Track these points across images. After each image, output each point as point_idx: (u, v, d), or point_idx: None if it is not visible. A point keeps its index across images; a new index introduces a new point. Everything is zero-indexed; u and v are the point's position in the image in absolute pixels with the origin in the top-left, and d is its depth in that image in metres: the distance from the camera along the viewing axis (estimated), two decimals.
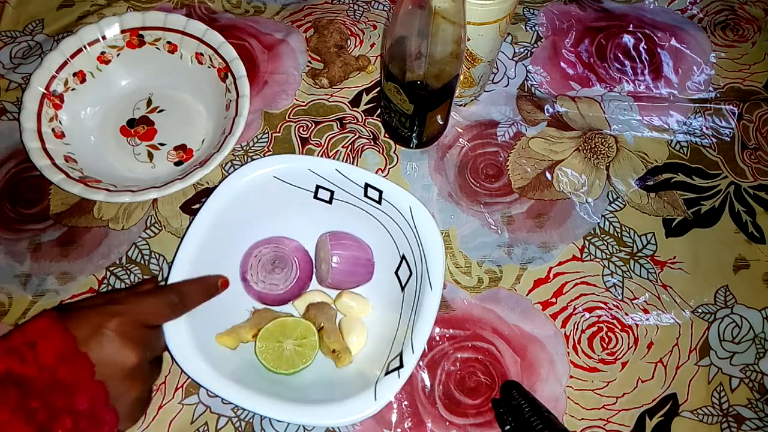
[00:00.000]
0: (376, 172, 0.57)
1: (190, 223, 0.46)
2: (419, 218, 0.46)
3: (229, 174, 0.48)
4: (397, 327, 0.46)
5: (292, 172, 0.48)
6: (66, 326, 0.36)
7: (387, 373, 0.42)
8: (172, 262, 0.45)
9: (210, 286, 0.45)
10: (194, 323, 0.43)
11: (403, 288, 0.48)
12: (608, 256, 0.54)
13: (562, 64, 0.63)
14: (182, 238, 0.46)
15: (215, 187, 0.47)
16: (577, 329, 0.51)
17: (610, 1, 0.67)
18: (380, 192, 0.47)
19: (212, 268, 0.46)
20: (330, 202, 0.50)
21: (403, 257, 0.48)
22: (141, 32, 0.58)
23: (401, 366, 0.42)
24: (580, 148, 0.58)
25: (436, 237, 0.46)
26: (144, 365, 0.40)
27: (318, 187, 0.49)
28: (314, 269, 0.51)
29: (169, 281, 0.44)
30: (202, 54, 0.58)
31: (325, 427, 0.41)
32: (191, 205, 0.55)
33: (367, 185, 0.48)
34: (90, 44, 0.57)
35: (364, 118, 0.60)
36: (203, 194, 0.56)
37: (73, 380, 0.35)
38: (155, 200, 0.55)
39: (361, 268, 0.49)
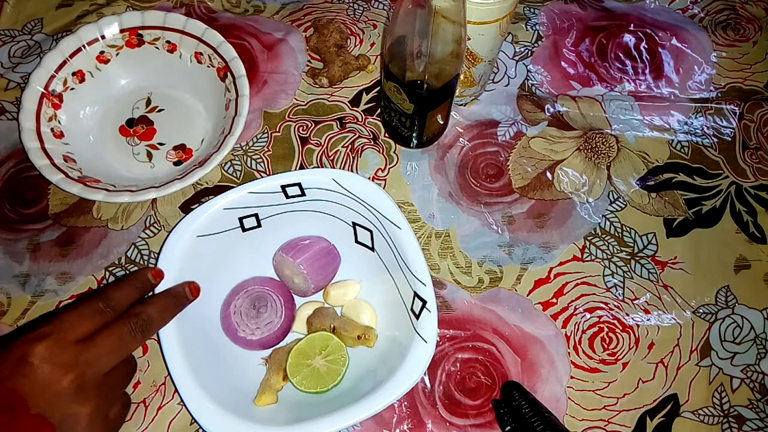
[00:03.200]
0: (376, 172, 0.57)
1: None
2: (348, 183, 0.47)
3: (180, 220, 0.46)
4: (393, 281, 0.47)
5: (211, 222, 0.47)
6: None
7: (417, 316, 0.43)
8: (167, 366, 0.43)
9: (177, 297, 0.43)
10: (227, 404, 0.42)
11: (372, 248, 0.48)
12: (609, 257, 0.54)
13: (562, 63, 0.63)
14: (160, 343, 0.43)
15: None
16: (577, 330, 0.51)
17: (611, 0, 0.67)
18: (299, 185, 0.47)
19: (204, 351, 0.45)
20: (259, 225, 0.49)
21: (354, 224, 0.48)
22: (140, 32, 0.58)
23: (425, 302, 0.43)
24: (581, 147, 0.58)
25: (371, 188, 0.46)
26: (87, 382, 0.36)
27: (241, 219, 0.48)
28: (290, 290, 0.50)
29: (175, 380, 0.42)
30: (201, 53, 0.58)
31: (400, 396, 0.41)
32: (190, 205, 0.55)
33: (283, 187, 0.47)
34: (89, 44, 0.57)
35: (364, 117, 0.59)
36: (203, 194, 0.56)
37: (8, 421, 0.32)
38: (154, 200, 0.55)
39: (327, 258, 0.49)
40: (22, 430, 0.33)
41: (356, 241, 0.49)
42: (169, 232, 0.46)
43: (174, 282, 0.45)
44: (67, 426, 0.34)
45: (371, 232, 0.48)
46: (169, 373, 0.43)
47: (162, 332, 0.43)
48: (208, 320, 0.47)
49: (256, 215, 0.49)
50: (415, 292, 0.44)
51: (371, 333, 0.46)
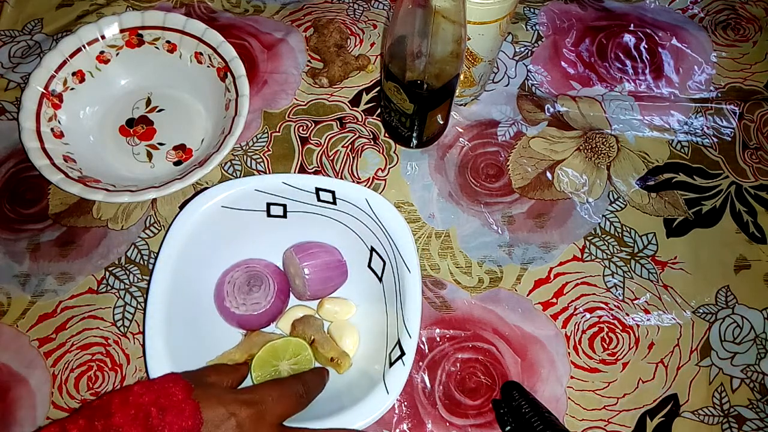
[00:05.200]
0: (376, 172, 0.57)
1: (151, 272, 0.44)
2: (378, 208, 0.46)
3: (201, 191, 0.47)
4: (386, 318, 0.46)
5: (240, 197, 0.47)
6: (198, 405, 0.34)
7: (391, 364, 0.42)
8: (144, 317, 0.43)
9: (324, 376, 0.44)
10: (180, 359, 0.42)
11: (380, 279, 0.48)
12: (609, 257, 0.53)
13: (562, 63, 0.63)
14: (148, 291, 0.44)
15: (172, 222, 0.46)
16: (577, 330, 0.51)
17: (611, 0, 0.67)
18: (333, 192, 0.47)
19: (187, 312, 0.45)
20: (285, 216, 0.49)
21: (372, 249, 0.48)
22: (140, 32, 0.58)
23: (403, 354, 0.42)
24: (581, 147, 0.58)
25: (399, 221, 0.46)
26: None
27: (269, 204, 0.48)
28: (289, 286, 0.50)
29: (146, 336, 0.42)
30: (201, 53, 0.58)
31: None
32: None
33: (318, 189, 0.47)
34: (89, 44, 0.57)
35: (364, 117, 0.59)
36: None
37: None
38: (154, 200, 0.55)
39: (334, 272, 0.49)
40: None
41: (368, 266, 0.49)
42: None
43: (187, 239, 0.46)
44: None
45: (385, 263, 0.47)
46: (144, 315, 0.43)
47: (155, 278, 0.43)
48: (204, 285, 0.48)
49: (284, 206, 0.49)
50: (399, 340, 0.43)
51: (345, 361, 0.45)
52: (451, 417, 0.47)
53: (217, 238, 0.48)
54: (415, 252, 0.45)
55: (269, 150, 0.58)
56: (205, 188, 0.55)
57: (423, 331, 0.50)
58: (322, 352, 0.46)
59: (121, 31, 0.58)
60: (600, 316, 0.51)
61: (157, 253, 0.45)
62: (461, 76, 0.53)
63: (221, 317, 0.48)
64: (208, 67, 0.58)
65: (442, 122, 0.55)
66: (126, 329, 0.50)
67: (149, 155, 0.58)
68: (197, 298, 0.47)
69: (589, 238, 0.54)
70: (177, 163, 0.57)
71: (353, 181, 0.56)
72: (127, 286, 0.52)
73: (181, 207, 0.55)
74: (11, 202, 0.55)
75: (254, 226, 0.49)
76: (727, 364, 0.50)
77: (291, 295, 0.50)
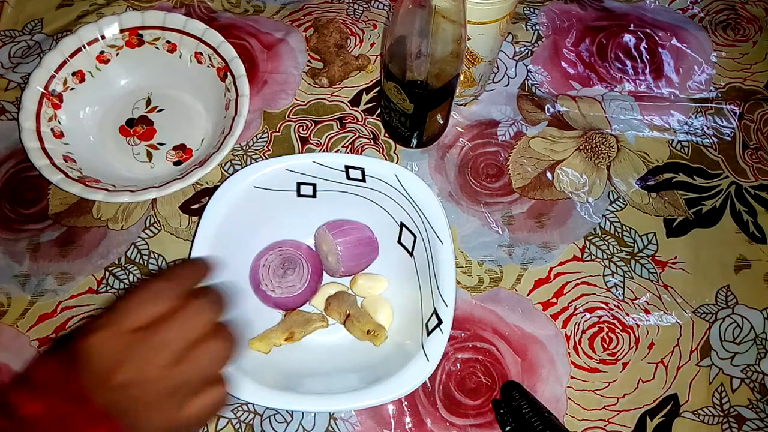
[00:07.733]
0: None
1: (189, 256, 0.45)
2: (408, 183, 0.47)
3: (229, 176, 0.48)
4: (419, 291, 0.47)
5: (271, 177, 0.48)
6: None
7: (429, 333, 0.43)
8: None
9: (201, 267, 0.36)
10: None
11: (411, 253, 0.48)
12: (609, 256, 0.53)
13: (562, 63, 0.63)
14: None
15: (214, 187, 0.47)
16: (577, 329, 0.51)
17: (611, 0, 0.67)
18: (362, 170, 0.48)
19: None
20: (314, 195, 0.50)
21: (402, 225, 0.49)
22: (140, 32, 0.58)
23: (440, 322, 0.43)
24: (581, 147, 0.58)
25: (429, 196, 0.46)
26: (147, 376, 0.32)
27: (299, 184, 0.49)
28: (322, 265, 0.51)
29: None
30: (201, 53, 0.58)
31: (386, 402, 0.41)
32: (190, 205, 0.55)
33: (347, 167, 0.48)
34: (89, 44, 0.57)
35: (364, 117, 0.59)
36: (202, 194, 0.56)
37: (75, 412, 0.30)
38: (154, 200, 0.55)
39: (366, 248, 0.50)
40: (86, 422, 0.31)
41: (398, 242, 0.50)
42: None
43: (222, 220, 0.46)
44: (131, 423, 0.31)
45: (415, 237, 0.48)
46: None
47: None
48: (239, 266, 0.48)
49: (314, 185, 0.49)
50: (435, 309, 0.44)
51: (381, 332, 0.46)
52: (451, 417, 0.48)
53: (250, 218, 0.49)
54: (447, 225, 0.45)
55: (269, 150, 0.58)
56: (206, 188, 0.56)
57: None
58: (358, 326, 0.46)
59: (121, 31, 0.58)
60: (600, 316, 0.51)
61: (193, 237, 0.46)
62: (461, 76, 0.53)
63: (259, 300, 0.49)
64: (208, 67, 0.58)
65: (442, 122, 0.55)
66: None
67: (149, 155, 0.57)
68: (233, 278, 0.48)
69: (589, 238, 0.54)
70: (177, 163, 0.57)
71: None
72: (126, 286, 0.52)
73: (182, 208, 0.55)
74: (11, 202, 0.55)
75: (285, 205, 0.50)
76: (727, 364, 0.50)
77: (324, 273, 0.51)
